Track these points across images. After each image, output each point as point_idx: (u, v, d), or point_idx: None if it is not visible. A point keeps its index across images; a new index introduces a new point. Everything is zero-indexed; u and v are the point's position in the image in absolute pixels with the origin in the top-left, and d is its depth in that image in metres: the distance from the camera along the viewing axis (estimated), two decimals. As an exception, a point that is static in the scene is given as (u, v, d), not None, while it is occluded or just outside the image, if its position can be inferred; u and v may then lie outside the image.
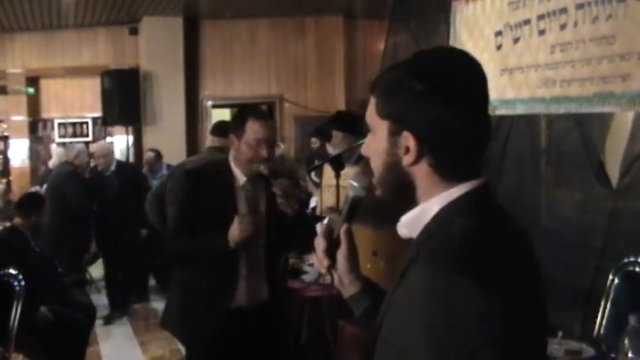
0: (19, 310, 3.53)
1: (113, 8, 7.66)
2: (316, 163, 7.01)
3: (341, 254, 1.28)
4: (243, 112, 2.70)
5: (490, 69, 4.31)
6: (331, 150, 3.89)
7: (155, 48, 8.20)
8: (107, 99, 7.91)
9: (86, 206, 6.02)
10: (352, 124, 4.12)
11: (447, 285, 0.94)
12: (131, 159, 8.17)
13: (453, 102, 1.03)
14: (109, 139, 8.95)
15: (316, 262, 1.31)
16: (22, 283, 3.63)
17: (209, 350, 2.69)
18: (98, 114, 8.44)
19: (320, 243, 1.29)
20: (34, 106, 8.91)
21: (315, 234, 2.87)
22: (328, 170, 3.62)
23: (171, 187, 3.31)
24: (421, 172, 1.06)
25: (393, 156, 1.08)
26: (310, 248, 3.13)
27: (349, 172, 3.53)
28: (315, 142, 7.01)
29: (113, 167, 6.01)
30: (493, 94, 4.56)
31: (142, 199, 4.87)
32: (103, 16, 8.01)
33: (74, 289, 4.81)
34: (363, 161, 3.56)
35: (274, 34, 8.56)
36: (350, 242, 1.28)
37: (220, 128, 4.34)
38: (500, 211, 1.09)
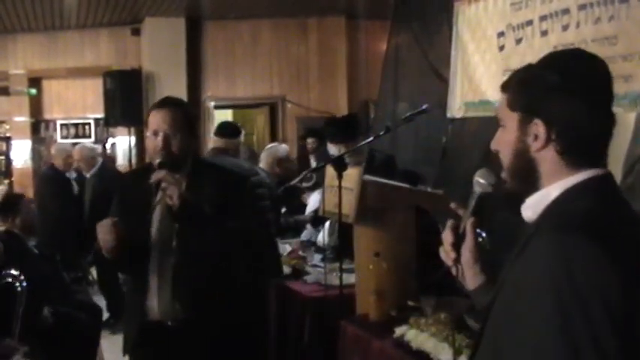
0: (21, 311, 3.54)
1: (115, 9, 7.68)
2: (313, 163, 7.05)
3: (466, 248, 1.35)
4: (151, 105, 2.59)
5: (492, 70, 4.32)
6: (333, 150, 3.89)
7: (157, 49, 8.22)
8: (109, 100, 7.92)
9: (61, 208, 5.90)
10: (353, 128, 4.13)
11: (574, 247, 1.02)
12: (133, 160, 8.20)
13: (582, 94, 1.13)
14: (111, 140, 8.99)
15: (443, 255, 1.38)
16: (24, 284, 3.64)
17: None
18: (100, 115, 8.45)
19: (448, 237, 1.37)
20: (36, 107, 8.93)
21: (235, 238, 2.54)
22: (330, 171, 3.63)
23: None
24: (547, 158, 1.16)
25: (522, 143, 1.18)
26: (240, 256, 2.63)
27: (351, 172, 3.53)
28: (312, 143, 7.00)
29: (95, 170, 5.84)
30: (496, 94, 4.56)
31: None
32: (105, 16, 8.03)
33: (75, 286, 4.79)
34: (364, 162, 3.57)
35: (277, 34, 8.57)
36: (474, 237, 1.35)
37: (224, 129, 4.36)
38: (622, 201, 1.18)
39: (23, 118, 8.82)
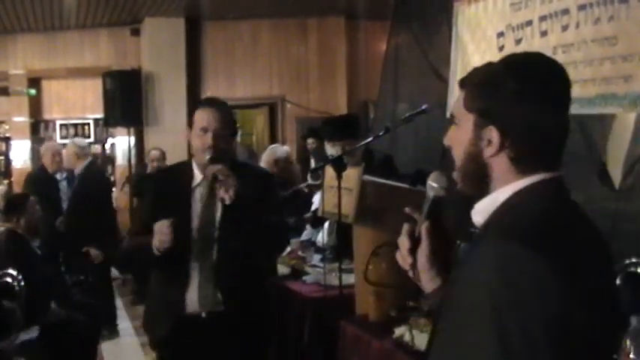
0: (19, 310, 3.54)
1: (115, 9, 7.68)
2: (312, 163, 7.05)
3: (422, 252, 1.34)
4: (197, 103, 2.66)
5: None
6: (331, 150, 3.89)
7: (157, 49, 8.22)
8: (109, 100, 7.92)
9: (43, 210, 5.78)
10: (349, 126, 4.14)
11: (512, 256, 1.01)
12: (133, 160, 8.19)
13: (539, 102, 1.12)
14: (110, 140, 8.99)
15: (400, 259, 1.37)
16: (22, 284, 3.64)
17: (168, 356, 2.65)
18: (100, 115, 8.45)
19: (404, 242, 1.36)
20: (35, 107, 8.93)
21: (279, 231, 2.68)
22: (330, 171, 3.63)
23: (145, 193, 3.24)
24: (500, 164, 1.15)
25: (474, 146, 1.17)
26: (281, 247, 2.98)
27: (351, 173, 3.53)
28: (312, 143, 7.00)
29: (80, 169, 5.62)
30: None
31: (100, 212, 4.64)
32: (104, 17, 8.03)
33: (75, 289, 4.78)
34: (364, 163, 3.57)
35: (276, 35, 8.57)
36: (430, 241, 1.34)
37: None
38: (571, 203, 1.16)
39: (23, 119, 8.82)
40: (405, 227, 1.37)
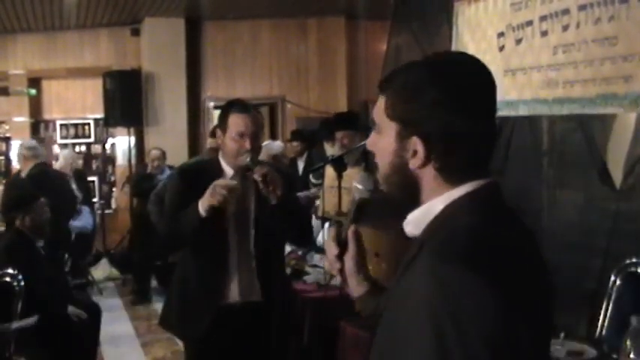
0: (18, 310, 3.53)
1: (115, 9, 7.68)
2: (299, 166, 7.03)
3: (348, 256, 1.32)
4: (227, 106, 2.74)
5: (492, 70, 4.26)
6: (330, 150, 3.89)
7: (157, 49, 8.22)
8: (109, 100, 7.92)
9: None
10: (348, 121, 4.14)
11: (450, 276, 0.97)
12: (133, 160, 8.19)
13: (465, 111, 1.06)
14: (110, 141, 8.98)
15: (327, 264, 1.37)
16: (22, 283, 3.64)
17: (204, 348, 2.72)
18: (100, 115, 8.44)
19: (331, 246, 1.34)
20: (35, 107, 8.92)
21: (309, 222, 2.88)
22: (330, 171, 3.63)
23: (169, 187, 3.31)
24: (427, 175, 1.10)
25: (399, 158, 1.11)
26: (305, 238, 3.13)
27: (351, 173, 3.53)
28: (297, 146, 6.97)
29: (24, 174, 5.52)
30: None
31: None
32: (104, 17, 8.03)
33: (76, 290, 4.78)
34: (362, 163, 3.57)
35: (276, 35, 8.57)
36: (357, 244, 1.32)
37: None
38: (505, 211, 1.11)
39: (23, 119, 8.81)
40: (331, 232, 1.35)
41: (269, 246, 2.70)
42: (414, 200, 1.14)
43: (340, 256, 1.33)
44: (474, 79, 1.10)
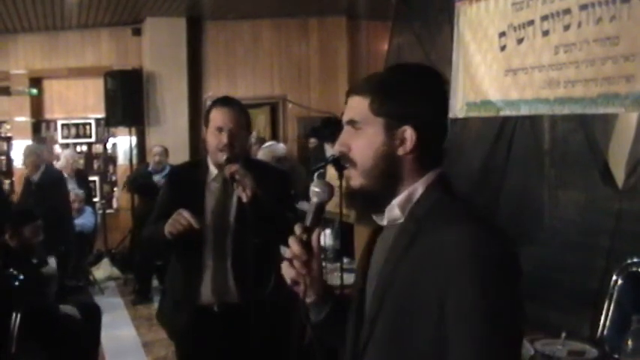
0: (19, 313, 3.53)
1: (116, 9, 7.68)
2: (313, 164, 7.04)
3: (315, 260, 1.35)
4: (212, 102, 2.73)
5: (494, 70, 4.31)
6: (331, 151, 3.89)
7: (158, 49, 8.23)
8: (110, 100, 7.93)
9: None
10: None
11: (475, 233, 1.16)
12: (134, 160, 8.20)
13: (436, 103, 1.30)
14: (112, 140, 8.99)
15: (292, 272, 1.34)
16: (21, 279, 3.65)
17: (186, 346, 2.72)
18: (101, 115, 8.46)
19: (300, 253, 1.33)
20: (37, 107, 8.93)
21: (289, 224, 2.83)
22: (331, 171, 3.62)
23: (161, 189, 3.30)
24: (409, 161, 1.28)
25: (387, 146, 1.27)
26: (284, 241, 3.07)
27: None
28: (313, 142, 7.04)
29: (38, 175, 5.61)
30: (497, 95, 4.56)
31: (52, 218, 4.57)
32: (106, 16, 8.03)
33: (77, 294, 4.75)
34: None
35: (277, 34, 8.57)
36: (316, 248, 1.36)
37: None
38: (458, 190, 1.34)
39: (24, 118, 8.83)
40: (291, 239, 1.34)
41: (250, 247, 2.58)
42: (392, 188, 1.28)
43: (307, 262, 1.33)
44: (439, 78, 1.34)
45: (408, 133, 1.26)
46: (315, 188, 1.38)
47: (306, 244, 1.33)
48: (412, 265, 1.19)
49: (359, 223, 3.03)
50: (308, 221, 1.35)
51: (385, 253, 1.27)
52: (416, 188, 1.27)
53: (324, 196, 1.37)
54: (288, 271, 1.35)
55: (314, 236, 1.35)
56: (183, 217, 2.41)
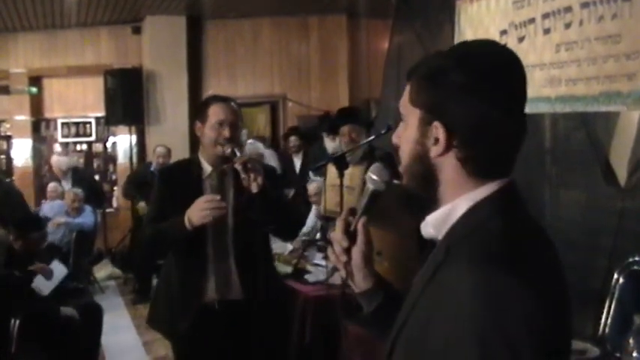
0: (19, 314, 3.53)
1: (116, 7, 7.67)
2: (296, 163, 7.02)
3: (357, 249, 1.26)
4: (206, 99, 2.78)
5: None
6: (331, 145, 3.88)
7: (158, 47, 8.22)
8: (110, 98, 7.93)
9: None
10: (356, 115, 4.13)
11: (492, 285, 0.92)
12: (134, 159, 8.20)
13: (490, 97, 1.00)
14: (112, 139, 8.99)
15: (333, 257, 1.29)
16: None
17: (188, 347, 2.71)
18: (101, 113, 8.45)
19: (340, 239, 1.27)
20: (36, 105, 8.92)
21: (295, 216, 2.83)
22: (332, 170, 3.62)
23: (153, 191, 3.30)
24: (448, 166, 1.04)
25: (420, 145, 1.06)
26: (289, 231, 3.06)
27: (353, 171, 3.53)
28: (294, 141, 7.02)
29: None
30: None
31: None
32: (105, 15, 8.02)
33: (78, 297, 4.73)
34: (365, 162, 3.56)
35: (277, 33, 8.57)
36: (366, 237, 1.26)
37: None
38: (526, 213, 1.07)
39: (24, 117, 8.82)
40: (340, 223, 1.27)
41: (250, 242, 2.64)
42: (433, 193, 1.08)
43: (348, 249, 1.27)
44: (502, 67, 1.03)
45: (440, 130, 1.02)
46: (372, 175, 1.28)
47: (348, 231, 1.26)
48: (428, 301, 1.02)
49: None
50: (360, 208, 1.28)
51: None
52: (457, 205, 1.04)
53: (380, 184, 1.27)
54: (330, 255, 1.29)
55: (359, 225, 1.26)
56: (212, 202, 2.45)
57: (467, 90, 1.00)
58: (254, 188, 2.48)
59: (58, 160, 7.54)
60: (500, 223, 1.00)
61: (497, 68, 1.03)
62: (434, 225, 1.08)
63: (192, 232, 2.49)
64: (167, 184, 2.77)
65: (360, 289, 1.29)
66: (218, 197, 2.49)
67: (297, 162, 7.04)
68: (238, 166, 2.51)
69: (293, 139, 7.11)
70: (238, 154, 2.55)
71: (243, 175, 2.49)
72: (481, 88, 1.00)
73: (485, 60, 1.04)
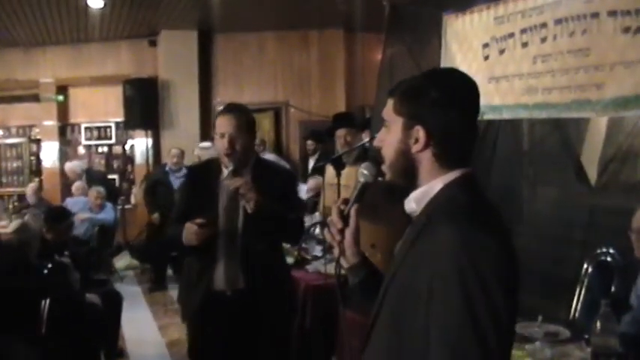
0: (48, 299, 3.54)
1: (134, 23, 7.70)
2: (311, 163, 7.06)
3: (349, 230, 1.43)
4: (219, 110, 2.75)
5: (478, 78, 4.29)
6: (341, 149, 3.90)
7: (172, 59, 8.25)
8: (129, 105, 7.96)
9: None
10: (351, 120, 4.17)
11: (466, 235, 1.13)
12: (150, 160, 8.22)
13: (456, 108, 1.24)
14: (130, 142, 9.01)
15: (329, 236, 1.45)
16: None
17: (199, 331, 2.72)
18: (120, 119, 8.49)
19: (336, 221, 1.43)
20: (63, 112, 8.96)
21: (293, 228, 2.82)
22: (330, 170, 3.65)
23: (180, 185, 3.32)
24: (425, 159, 1.26)
25: (404, 144, 1.27)
26: (290, 240, 3.10)
27: (349, 171, 3.55)
28: (310, 145, 7.12)
29: None
30: (481, 100, 4.54)
31: None
32: (125, 30, 8.05)
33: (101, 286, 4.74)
34: (360, 162, 3.58)
35: (281, 45, 8.58)
36: (357, 220, 1.43)
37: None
38: (483, 192, 1.30)
39: (52, 122, 8.86)
40: (336, 209, 1.44)
41: (258, 242, 2.60)
42: (412, 182, 1.29)
43: (342, 230, 1.42)
44: (464, 86, 1.28)
45: (420, 132, 1.24)
46: (363, 170, 1.45)
47: (342, 215, 1.42)
48: (415, 256, 1.20)
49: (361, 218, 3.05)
50: (352, 197, 1.44)
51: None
52: (434, 185, 1.26)
53: (369, 178, 1.44)
54: (326, 235, 1.45)
55: (352, 210, 1.42)
56: (194, 230, 2.47)
57: (440, 103, 1.24)
58: (248, 209, 2.48)
59: (71, 165, 7.57)
60: (467, 196, 1.23)
61: (461, 88, 1.28)
62: (416, 200, 1.29)
63: (198, 212, 2.52)
64: (192, 184, 2.78)
65: (349, 264, 1.45)
66: (205, 221, 2.48)
67: (312, 163, 7.19)
68: (230, 189, 2.51)
69: (309, 143, 7.24)
70: (230, 169, 2.55)
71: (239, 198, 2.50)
72: (451, 102, 1.24)
73: (453, 82, 1.29)
